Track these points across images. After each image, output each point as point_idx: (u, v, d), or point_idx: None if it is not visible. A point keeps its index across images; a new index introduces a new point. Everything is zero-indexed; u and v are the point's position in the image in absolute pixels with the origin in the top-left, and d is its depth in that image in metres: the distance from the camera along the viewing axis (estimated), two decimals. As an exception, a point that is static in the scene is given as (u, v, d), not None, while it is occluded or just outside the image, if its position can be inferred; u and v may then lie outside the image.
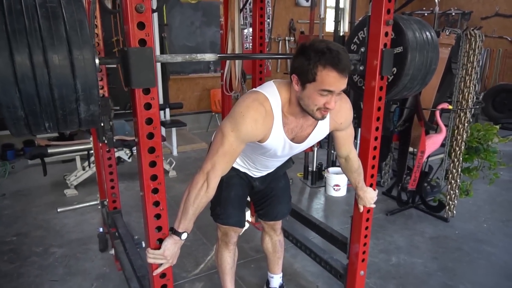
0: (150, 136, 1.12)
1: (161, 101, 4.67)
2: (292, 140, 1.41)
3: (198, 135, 5.61)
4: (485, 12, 7.05)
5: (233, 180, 1.66)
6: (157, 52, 4.46)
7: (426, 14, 7.10)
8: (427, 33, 1.69)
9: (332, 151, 3.77)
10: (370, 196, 1.69)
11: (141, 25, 1.03)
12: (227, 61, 2.82)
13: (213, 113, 5.91)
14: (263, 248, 1.99)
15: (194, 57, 1.25)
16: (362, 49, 1.73)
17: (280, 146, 1.40)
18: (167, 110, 4.66)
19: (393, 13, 1.59)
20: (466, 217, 3.06)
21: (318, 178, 3.71)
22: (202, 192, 1.29)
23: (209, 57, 1.29)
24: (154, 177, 1.17)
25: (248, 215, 3.02)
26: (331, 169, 3.52)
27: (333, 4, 3.42)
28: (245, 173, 1.67)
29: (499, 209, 3.22)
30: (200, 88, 5.98)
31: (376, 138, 1.67)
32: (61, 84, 0.89)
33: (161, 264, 1.26)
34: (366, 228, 1.80)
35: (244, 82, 2.90)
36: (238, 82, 2.80)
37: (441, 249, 2.62)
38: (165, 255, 1.26)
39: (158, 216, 1.23)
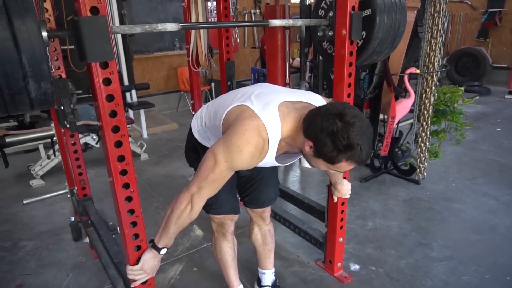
0: (113, 114, 1.04)
1: (126, 82, 4.47)
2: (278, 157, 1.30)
3: (168, 116, 5.47)
4: (446, -23, 7.13)
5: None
6: (117, 30, 4.22)
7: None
8: (395, -6, 1.66)
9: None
10: (346, 188, 1.74)
11: (91, -9, 0.94)
12: (192, 36, 2.70)
13: (182, 92, 5.75)
14: (251, 240, 1.81)
15: (154, 27, 1.17)
16: (330, 14, 1.69)
17: (267, 165, 1.30)
18: (133, 91, 4.48)
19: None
20: (436, 178, 3.17)
21: (292, 150, 3.71)
22: (185, 214, 1.21)
23: (171, 27, 1.20)
24: (121, 158, 1.10)
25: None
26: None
27: None
28: None
29: (466, 168, 3.36)
30: (167, 67, 5.78)
31: (348, 105, 1.65)
32: (4, 59, 0.79)
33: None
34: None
35: (212, 57, 2.80)
36: (205, 57, 2.70)
37: (414, 210, 2.70)
38: (144, 269, 1.26)
39: (129, 199, 1.17)
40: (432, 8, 2.65)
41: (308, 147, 1.13)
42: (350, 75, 1.63)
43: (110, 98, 1.03)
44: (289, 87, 3.41)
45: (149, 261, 1.26)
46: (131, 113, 4.62)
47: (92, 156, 3.77)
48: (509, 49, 6.64)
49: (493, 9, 6.61)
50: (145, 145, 3.94)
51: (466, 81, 6.43)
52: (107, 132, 1.06)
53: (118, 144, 1.08)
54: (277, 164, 1.30)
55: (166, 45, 5.67)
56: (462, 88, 3.01)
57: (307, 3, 3.57)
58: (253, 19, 6.35)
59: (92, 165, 3.56)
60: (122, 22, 4.39)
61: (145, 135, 4.59)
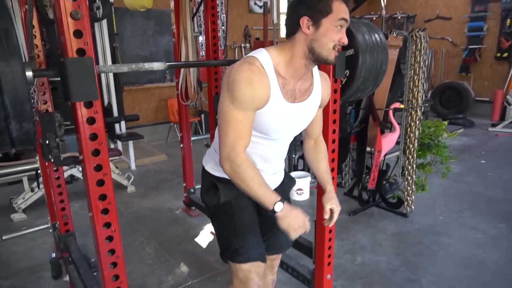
0: (96, 153, 1.04)
1: (115, 114, 4.48)
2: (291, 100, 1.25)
3: (157, 147, 5.45)
4: (427, 15, 7.48)
5: (242, 200, 1.34)
6: (109, 63, 4.28)
7: (374, 18, 7.42)
8: (376, 35, 1.73)
9: (293, 155, 3.78)
10: (332, 206, 1.39)
11: (78, 33, 0.96)
12: (182, 70, 2.75)
13: (172, 124, 5.77)
14: None
15: (141, 66, 1.19)
16: (315, 53, 1.74)
17: (281, 112, 1.22)
18: (123, 122, 4.48)
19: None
20: (424, 211, 3.17)
21: (281, 183, 3.70)
22: (239, 168, 1.16)
23: (157, 66, 1.23)
24: (103, 197, 1.09)
25: (211, 226, 2.94)
26: (293, 173, 3.52)
27: (286, 10, 3.45)
28: None
29: (453, 201, 3.38)
30: (157, 99, 5.82)
31: (334, 141, 1.68)
32: (-15, 101, 0.80)
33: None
34: (330, 231, 1.80)
35: (201, 91, 2.85)
36: (194, 91, 2.74)
37: (402, 244, 2.69)
38: (294, 227, 1.20)
39: (110, 239, 1.14)
40: (414, 47, 2.76)
41: (306, 28, 1.13)
42: (334, 111, 1.66)
43: (93, 136, 1.02)
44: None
45: (291, 216, 1.19)
46: (119, 144, 4.60)
47: (77, 188, 3.70)
48: (490, 83, 6.88)
49: (473, 46, 6.91)
50: (133, 177, 3.89)
51: (451, 113, 6.61)
52: (89, 171, 1.05)
53: (100, 182, 1.07)
54: (291, 108, 1.23)
55: (157, 77, 5.75)
56: (446, 122, 3.09)
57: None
58: (243, 53, 6.51)
59: (77, 198, 3.49)
60: (113, 55, 4.46)
61: (133, 166, 4.55)
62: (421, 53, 2.75)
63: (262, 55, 1.17)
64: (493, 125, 6.04)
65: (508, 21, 6.40)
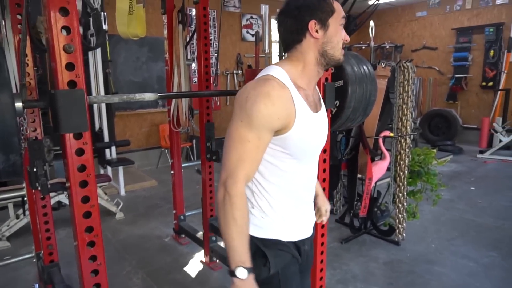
0: (84, 184, 1.02)
1: (106, 139, 4.46)
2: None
3: (148, 172, 5.40)
4: (414, 45, 7.73)
5: (291, 269, 1.17)
6: (101, 88, 4.30)
7: (363, 47, 7.64)
8: (364, 67, 1.77)
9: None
10: (326, 207, 1.41)
11: (70, 66, 0.96)
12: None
13: (163, 149, 5.75)
14: None
15: (132, 97, 1.19)
16: (305, 84, 1.78)
17: (311, 125, 1.10)
18: (113, 148, 4.45)
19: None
20: (415, 239, 3.16)
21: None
22: (231, 201, 0.98)
23: (149, 96, 1.23)
24: (89, 229, 1.06)
25: (201, 254, 2.89)
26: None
27: (278, 39, 3.54)
28: (294, 243, 1.17)
29: (444, 228, 3.38)
30: (149, 124, 5.83)
31: (324, 170, 1.68)
32: (-28, 133, 0.79)
33: None
34: (322, 261, 1.77)
35: (192, 118, 2.86)
36: (185, 118, 2.75)
37: (395, 273, 2.65)
38: None
39: (95, 272, 1.11)
40: (402, 77, 2.83)
41: (315, 32, 1.07)
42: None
43: (82, 168, 1.01)
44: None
45: None
46: (109, 169, 4.55)
47: (65, 214, 3.62)
48: (477, 111, 7.05)
49: (459, 75, 7.12)
50: (122, 203, 3.83)
51: (440, 140, 6.71)
52: (76, 202, 1.03)
53: (87, 214, 1.05)
54: (318, 119, 1.14)
55: (149, 102, 5.77)
56: (435, 150, 3.13)
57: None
58: (235, 80, 6.60)
59: (64, 225, 3.41)
60: (106, 81, 4.49)
61: (122, 192, 4.48)
62: (409, 83, 2.82)
63: (276, 71, 1.07)
64: (481, 152, 6.14)
65: (492, 52, 6.63)
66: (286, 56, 1.15)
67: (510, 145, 6.11)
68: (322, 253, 1.76)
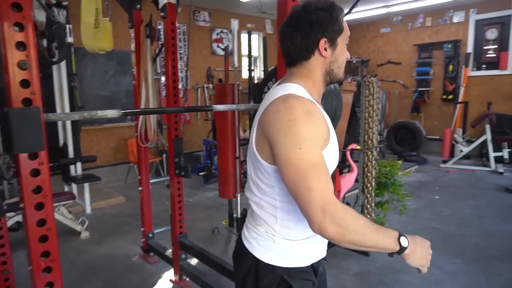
0: (39, 206, 0.97)
1: (71, 155, 4.29)
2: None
3: (116, 189, 5.23)
4: (379, 60, 8.04)
5: None
6: (66, 103, 4.16)
7: (331, 62, 7.85)
8: (329, 82, 1.81)
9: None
10: None
11: (25, 83, 0.93)
12: (141, 112, 2.72)
13: (132, 164, 5.60)
14: None
15: (94, 114, 1.16)
16: (272, 99, 1.79)
17: (336, 140, 1.08)
18: (78, 164, 4.29)
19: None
20: (384, 249, 3.21)
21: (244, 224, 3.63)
22: (348, 220, 0.89)
23: (111, 113, 1.20)
24: (46, 254, 1.01)
25: (171, 273, 2.81)
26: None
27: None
28: (312, 265, 1.14)
29: (411, 238, 3.46)
30: (117, 139, 5.68)
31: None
32: None
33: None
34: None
35: (161, 132, 2.82)
36: (154, 133, 2.70)
37: (365, 284, 2.68)
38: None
39: (52, 300, 1.05)
40: (367, 91, 2.92)
41: (324, 51, 1.05)
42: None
43: (37, 189, 0.97)
44: (239, 160, 3.45)
45: (420, 259, 1.00)
46: (74, 187, 4.37)
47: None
48: (439, 122, 7.37)
49: (422, 88, 7.45)
50: (87, 222, 3.68)
51: (405, 151, 6.95)
52: (31, 225, 0.98)
53: (43, 239, 0.99)
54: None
55: (117, 117, 5.63)
56: (400, 162, 3.23)
57: (255, 82, 3.79)
58: (206, 93, 6.59)
59: (24, 247, 3.22)
60: (71, 95, 4.35)
61: (88, 210, 4.31)
62: (374, 97, 2.92)
63: (295, 88, 1.03)
64: (444, 162, 6.40)
65: (451, 67, 6.99)
66: (290, 72, 1.11)
67: (470, 155, 6.42)
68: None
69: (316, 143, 0.93)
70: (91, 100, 5.24)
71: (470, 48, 6.80)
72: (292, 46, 1.06)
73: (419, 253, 0.99)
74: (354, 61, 7.99)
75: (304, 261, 1.09)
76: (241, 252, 1.12)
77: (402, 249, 0.95)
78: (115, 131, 5.64)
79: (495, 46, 6.52)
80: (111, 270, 2.95)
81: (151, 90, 2.58)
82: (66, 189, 4.37)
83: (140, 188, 3.02)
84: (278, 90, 1.03)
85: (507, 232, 3.53)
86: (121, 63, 5.54)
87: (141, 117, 2.72)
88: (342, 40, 1.08)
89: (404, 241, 0.96)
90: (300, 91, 1.02)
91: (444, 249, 3.21)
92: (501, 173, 5.67)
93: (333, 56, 1.07)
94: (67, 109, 4.17)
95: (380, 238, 0.93)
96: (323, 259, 1.19)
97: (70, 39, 3.99)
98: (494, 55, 6.54)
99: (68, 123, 4.25)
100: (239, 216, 3.62)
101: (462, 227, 3.69)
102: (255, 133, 1.04)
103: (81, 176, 4.24)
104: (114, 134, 5.64)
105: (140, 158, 2.94)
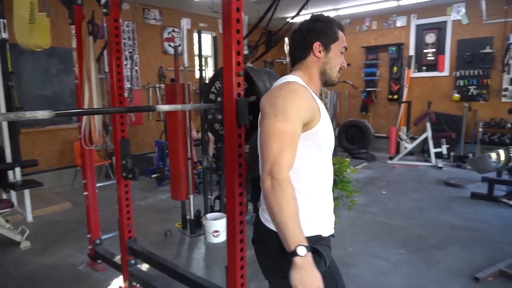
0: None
1: (9, 160, 3.98)
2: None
3: (61, 194, 4.94)
4: (330, 61, 8.30)
5: (333, 262, 1.41)
6: (2, 104, 3.85)
7: (284, 62, 7.98)
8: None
9: (209, 196, 3.73)
10: None
11: None
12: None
13: (78, 168, 5.32)
14: None
15: (22, 115, 1.08)
16: (219, 99, 1.79)
17: (329, 121, 1.28)
18: (17, 169, 3.99)
19: (252, 62, 1.70)
20: (335, 244, 3.23)
21: (197, 226, 3.60)
22: (280, 186, 1.05)
23: (42, 114, 1.12)
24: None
25: (120, 280, 2.70)
26: (209, 215, 3.46)
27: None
28: (328, 238, 1.33)
29: (360, 232, 3.62)
30: (61, 141, 5.36)
31: (240, 185, 1.69)
32: None
33: None
34: (242, 276, 1.77)
35: (107, 134, 2.70)
36: (99, 135, 2.58)
37: (316, 279, 2.75)
38: None
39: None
40: (315, 91, 3.00)
41: (318, 52, 1.28)
42: (240, 155, 1.69)
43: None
44: (192, 161, 3.40)
45: (303, 279, 0.99)
46: (13, 194, 4.07)
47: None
48: (385, 121, 7.77)
49: (369, 88, 7.80)
50: (28, 231, 3.43)
51: (355, 148, 7.25)
52: None
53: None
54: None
55: (62, 118, 5.33)
56: (348, 159, 3.35)
57: (207, 82, 3.76)
58: (158, 93, 6.43)
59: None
60: (9, 95, 4.04)
61: (29, 218, 4.03)
62: (322, 97, 3.00)
63: (293, 78, 1.27)
64: (391, 158, 6.75)
65: (395, 68, 7.40)
66: (293, 69, 1.36)
67: (414, 151, 6.83)
68: (242, 267, 1.75)
69: (293, 117, 1.12)
70: (32, 101, 4.91)
71: (412, 51, 7.24)
72: (294, 48, 1.33)
73: (304, 275, 1.00)
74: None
75: (322, 230, 1.28)
76: (262, 234, 1.29)
77: (294, 253, 1.00)
78: (59, 133, 5.33)
79: (434, 50, 6.99)
80: (54, 281, 2.78)
81: (94, 90, 2.46)
82: (4, 196, 4.06)
83: (85, 193, 2.87)
84: (280, 81, 1.30)
85: (445, 222, 3.79)
86: (64, 61, 5.25)
87: (84, 118, 2.58)
88: (336, 48, 1.31)
89: (301, 251, 1.00)
90: (296, 79, 1.26)
91: (390, 241, 3.38)
92: (441, 167, 6.09)
93: (326, 58, 1.30)
94: (3, 110, 3.87)
95: (289, 225, 1.03)
96: (331, 235, 1.37)
97: (4, 35, 3.72)
98: (433, 58, 7.01)
99: (5, 125, 3.95)
100: (192, 217, 3.57)
101: (406, 219, 3.91)
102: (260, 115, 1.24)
103: (21, 182, 3.95)
104: (59, 137, 5.33)
105: (85, 161, 2.79)
